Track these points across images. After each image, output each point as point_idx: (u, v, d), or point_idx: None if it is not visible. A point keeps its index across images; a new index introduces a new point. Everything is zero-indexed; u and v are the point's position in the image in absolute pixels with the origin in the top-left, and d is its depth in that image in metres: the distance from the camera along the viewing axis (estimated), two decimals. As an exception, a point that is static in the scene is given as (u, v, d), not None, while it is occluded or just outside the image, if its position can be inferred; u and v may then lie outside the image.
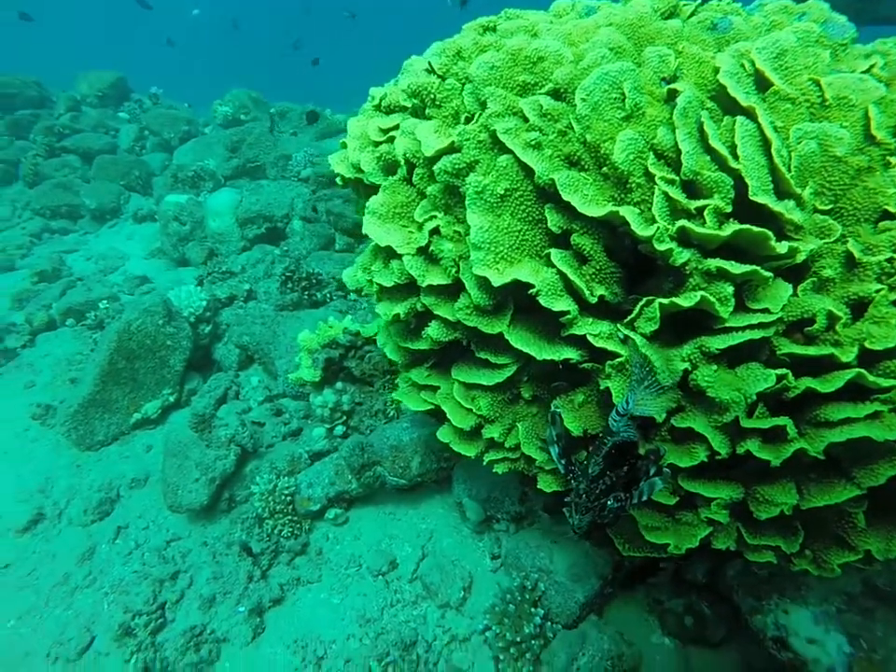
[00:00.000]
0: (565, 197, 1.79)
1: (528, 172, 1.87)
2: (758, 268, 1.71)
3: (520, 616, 2.56)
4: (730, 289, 1.74)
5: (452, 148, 1.95)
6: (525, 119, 1.91)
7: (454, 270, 1.94)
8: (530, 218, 1.91)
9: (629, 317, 1.86)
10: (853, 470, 1.83)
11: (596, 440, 1.89)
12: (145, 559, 3.37)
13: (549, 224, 1.86)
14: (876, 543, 1.91)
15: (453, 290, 2.01)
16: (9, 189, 7.83)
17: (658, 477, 1.75)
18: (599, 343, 1.82)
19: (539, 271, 1.84)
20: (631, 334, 1.82)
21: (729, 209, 1.79)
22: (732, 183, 1.78)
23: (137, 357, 4.14)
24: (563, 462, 1.95)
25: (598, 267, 1.88)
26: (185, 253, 5.92)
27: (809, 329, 1.79)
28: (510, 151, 1.87)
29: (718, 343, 1.77)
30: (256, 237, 5.62)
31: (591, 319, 1.87)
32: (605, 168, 1.87)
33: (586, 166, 1.90)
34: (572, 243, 1.86)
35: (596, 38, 1.97)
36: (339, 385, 3.62)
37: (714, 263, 1.74)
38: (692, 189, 1.84)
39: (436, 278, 1.97)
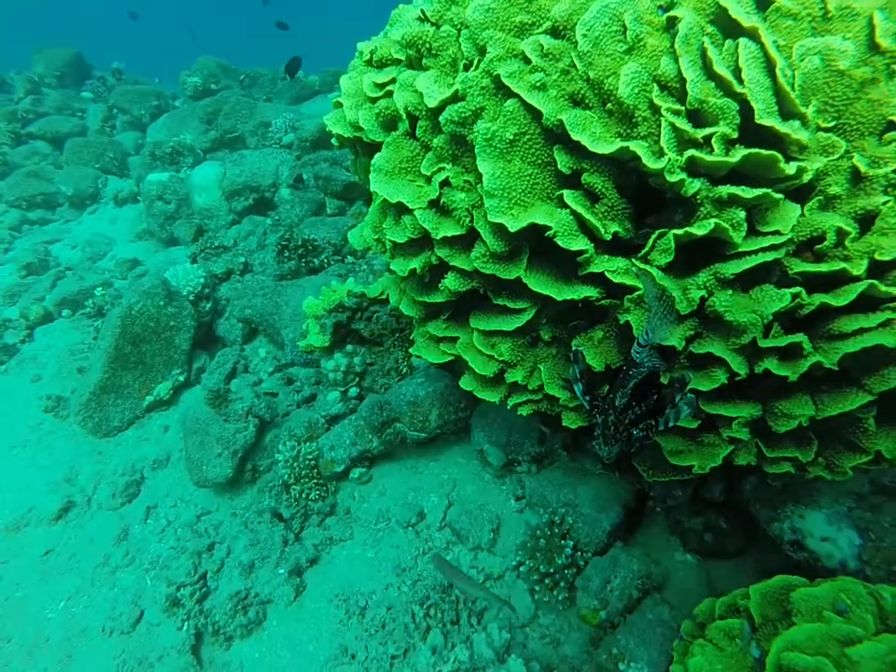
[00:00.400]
0: (574, 136, 1.80)
1: (535, 114, 1.87)
2: (769, 191, 1.75)
3: (551, 549, 2.69)
4: (742, 214, 1.78)
5: (455, 97, 1.94)
6: (528, 61, 1.90)
7: (467, 220, 1.96)
8: (539, 162, 1.92)
9: (642, 251, 1.90)
10: (864, 379, 1.92)
11: (620, 373, 1.96)
12: (178, 535, 3.47)
13: (559, 165, 1.88)
14: (886, 444, 2.02)
15: (467, 241, 2.04)
16: (-22, 183, 7.60)
17: (683, 402, 1.82)
18: (617, 279, 1.87)
19: (552, 213, 1.87)
20: (647, 267, 1.87)
21: (735, 135, 1.81)
22: (738, 108, 1.79)
23: (143, 341, 4.14)
24: (587, 398, 2.03)
25: (610, 204, 1.91)
26: (173, 232, 5.83)
27: (819, 246, 1.84)
28: (515, 95, 1.86)
29: (732, 268, 1.83)
30: (244, 209, 5.53)
31: (607, 257, 1.91)
32: (609, 104, 1.87)
33: (590, 104, 1.90)
34: (583, 182, 1.88)
35: (592, -30, 1.94)
36: (349, 347, 3.67)
37: (725, 190, 1.78)
38: (697, 118, 1.85)
39: (450, 230, 1.99)
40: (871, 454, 2.04)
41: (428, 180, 2.06)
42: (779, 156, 1.73)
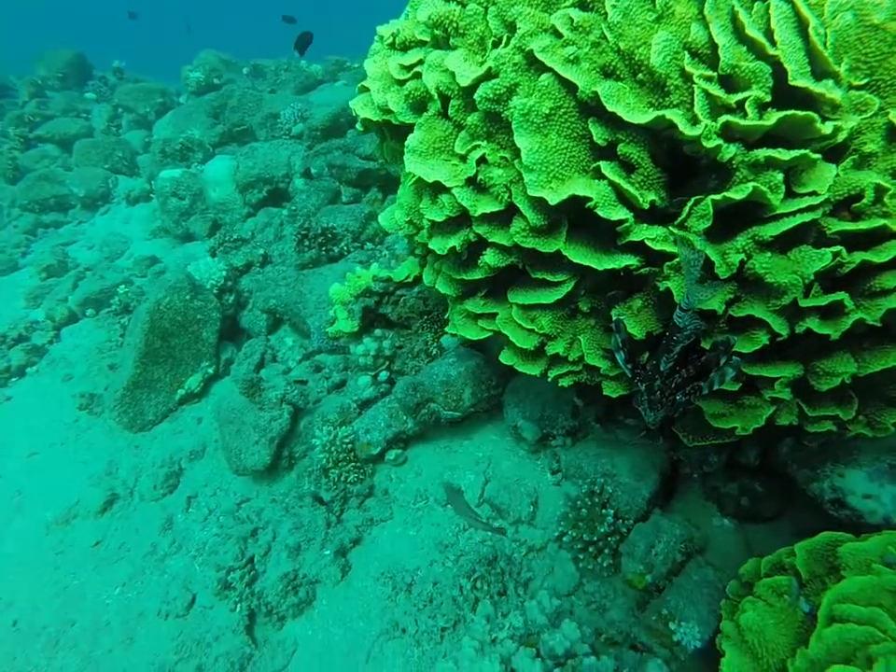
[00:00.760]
0: (609, 108, 1.81)
1: (570, 88, 1.88)
2: (807, 151, 1.76)
3: (592, 518, 2.74)
4: (780, 177, 1.80)
5: (489, 75, 1.95)
6: (558, 35, 1.91)
7: (506, 195, 1.99)
8: (575, 135, 1.94)
9: (679, 219, 1.93)
10: (905, 334, 1.95)
11: (661, 339, 2.00)
12: (221, 522, 3.57)
13: (594, 138, 1.90)
14: (928, 399, 2.05)
15: (505, 216, 2.07)
16: (-10, 188, 7.66)
17: (728, 366, 1.86)
18: (657, 246, 1.89)
19: (591, 185, 1.89)
20: (685, 234, 1.89)
21: (768, 98, 1.82)
22: (770, 71, 1.80)
23: (171, 335, 4.21)
24: (629, 367, 2.07)
25: (646, 174, 1.93)
26: (188, 228, 5.87)
27: (857, 204, 1.86)
28: (549, 70, 1.87)
29: (771, 230, 1.85)
30: (259, 201, 5.56)
31: (645, 225, 1.94)
32: (640, 75, 1.89)
33: (622, 75, 1.91)
34: (619, 153, 1.90)
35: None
36: (377, 332, 3.71)
37: (762, 153, 1.79)
38: (729, 83, 1.86)
39: (488, 206, 2.02)
40: (913, 408, 2.08)
41: (463, 158, 2.09)
42: (816, 116, 1.74)
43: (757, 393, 2.14)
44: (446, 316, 2.73)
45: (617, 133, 1.89)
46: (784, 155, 1.77)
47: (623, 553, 2.62)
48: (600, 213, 1.84)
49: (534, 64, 1.93)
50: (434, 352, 3.63)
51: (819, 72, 1.85)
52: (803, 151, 1.76)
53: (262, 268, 5.07)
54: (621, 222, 1.88)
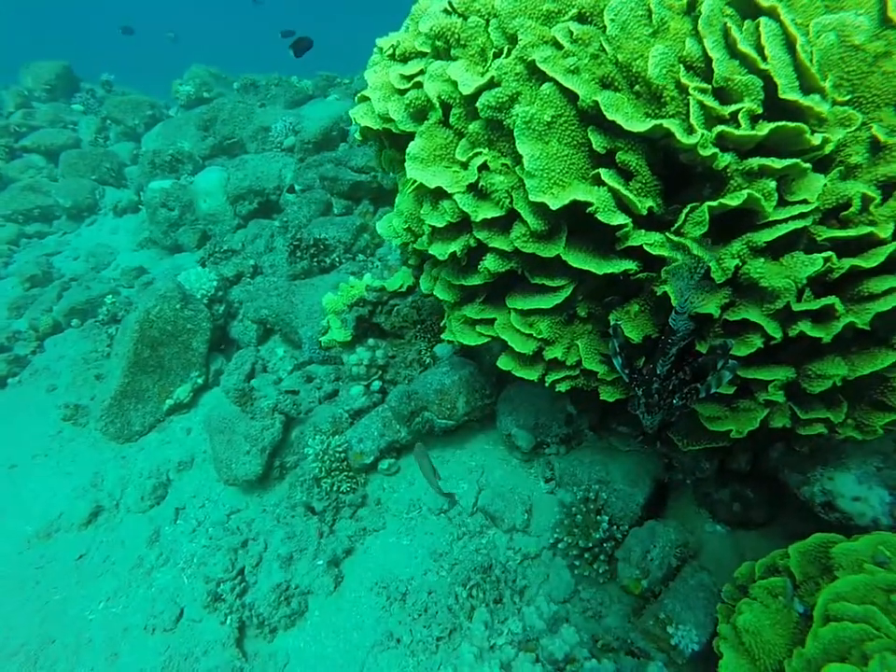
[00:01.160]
0: (609, 116, 1.87)
1: (570, 97, 1.94)
2: (798, 160, 1.83)
3: (587, 525, 2.75)
4: (773, 185, 1.87)
5: (491, 84, 2.00)
6: (559, 47, 1.97)
7: (507, 201, 2.03)
8: (574, 143, 2.00)
9: (676, 225, 1.98)
10: (893, 338, 2.02)
11: (657, 344, 2.04)
12: (210, 533, 3.50)
13: (594, 145, 1.95)
14: (914, 401, 2.11)
15: (505, 222, 2.10)
16: (-27, 198, 7.55)
17: (725, 369, 1.90)
18: (655, 251, 1.94)
19: (591, 191, 1.94)
20: (682, 240, 1.95)
21: (760, 110, 1.90)
22: (762, 84, 1.88)
23: (161, 344, 4.17)
24: (626, 371, 2.10)
25: (644, 181, 1.98)
26: (177, 239, 5.84)
27: (845, 213, 1.93)
28: (550, 79, 1.93)
29: (765, 236, 1.91)
30: (249, 213, 5.56)
31: (643, 231, 1.99)
32: (637, 86, 1.95)
33: (619, 87, 1.98)
34: (618, 160, 1.96)
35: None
36: (370, 341, 3.72)
37: (756, 162, 1.86)
38: (722, 95, 1.93)
39: (489, 211, 2.05)
40: (899, 411, 2.14)
41: (464, 165, 2.13)
42: (806, 128, 1.82)
43: (751, 396, 2.18)
44: (442, 323, 2.74)
45: (616, 142, 1.95)
46: (777, 163, 1.84)
47: (620, 559, 2.63)
48: (601, 217, 1.89)
49: (535, 74, 1.98)
50: (427, 361, 3.65)
51: (807, 87, 1.93)
52: (794, 160, 1.83)
53: (253, 279, 5.06)
54: (620, 227, 1.93)
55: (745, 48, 1.86)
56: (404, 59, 2.52)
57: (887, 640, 1.74)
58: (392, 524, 3.34)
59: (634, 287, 2.18)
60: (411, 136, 2.30)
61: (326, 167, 5.18)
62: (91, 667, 2.91)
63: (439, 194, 2.14)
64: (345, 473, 3.44)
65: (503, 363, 2.43)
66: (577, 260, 2.03)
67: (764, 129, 1.84)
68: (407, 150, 2.21)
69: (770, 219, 1.91)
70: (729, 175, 1.92)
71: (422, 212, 2.21)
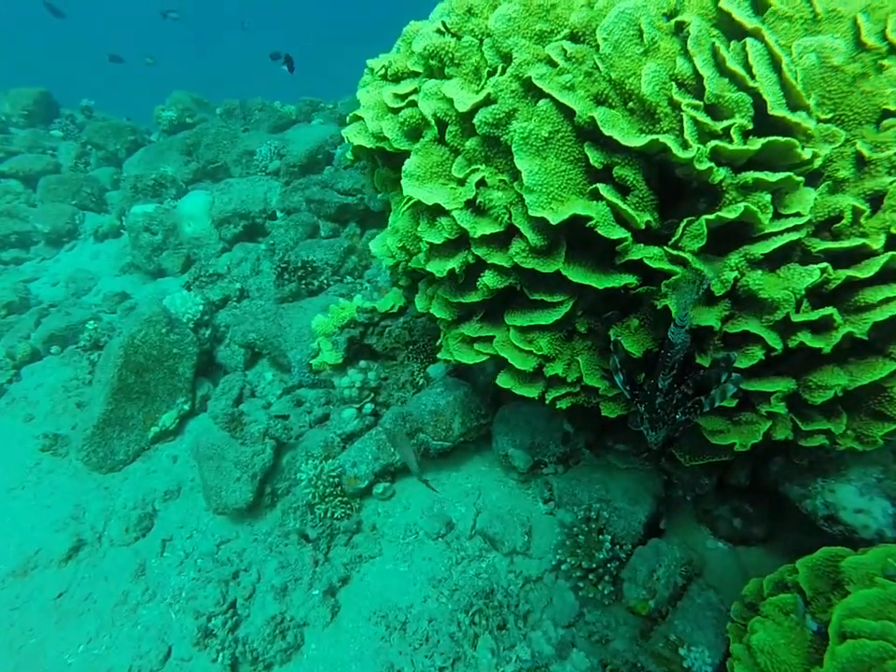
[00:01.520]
0: (606, 132, 1.88)
1: (566, 113, 1.95)
2: (791, 174, 1.86)
3: (589, 545, 2.70)
4: (768, 198, 1.89)
5: (487, 101, 2.01)
6: (553, 65, 1.99)
7: (505, 217, 2.02)
8: (572, 158, 2.00)
9: (673, 239, 1.99)
10: (889, 347, 2.03)
11: (658, 358, 2.03)
12: (199, 565, 3.37)
13: (591, 161, 1.96)
14: (913, 411, 2.13)
15: (503, 238, 2.09)
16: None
17: (729, 382, 1.89)
18: (655, 265, 1.94)
19: (589, 205, 1.94)
20: (680, 253, 1.95)
21: (750, 126, 1.93)
22: (752, 101, 1.91)
23: (146, 370, 4.06)
24: (628, 387, 2.08)
25: (641, 196, 1.99)
26: (160, 263, 5.75)
27: (837, 225, 1.97)
28: (546, 96, 1.94)
29: (762, 248, 1.93)
30: (234, 236, 5.51)
31: (642, 245, 1.99)
32: (630, 103, 1.97)
33: (613, 103, 2.00)
34: (615, 175, 1.97)
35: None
36: (362, 363, 3.67)
37: (751, 175, 1.89)
38: (713, 111, 1.96)
39: (488, 228, 2.04)
40: (898, 420, 2.14)
41: (461, 182, 2.12)
42: (797, 142, 1.85)
43: (752, 409, 2.18)
44: (438, 343, 2.71)
45: (612, 157, 1.96)
46: (771, 177, 1.86)
47: (625, 579, 2.58)
48: (601, 231, 1.89)
49: (531, 91, 2.00)
50: (420, 382, 3.60)
51: (793, 104, 1.97)
52: (788, 174, 1.86)
53: (239, 302, 4.98)
54: (620, 241, 1.93)
55: (734, 66, 1.90)
56: (397, 78, 2.53)
57: (906, 657, 1.71)
58: (389, 550, 3.25)
59: (632, 301, 2.18)
60: (405, 154, 2.29)
61: (312, 190, 5.17)
62: (72, 714, 2.75)
63: (436, 211, 2.13)
64: (339, 499, 3.35)
65: (502, 381, 2.40)
66: (577, 275, 2.02)
67: (757, 143, 1.87)
68: (403, 168, 2.19)
69: (766, 232, 1.93)
70: (724, 188, 1.94)
71: (419, 229, 2.19)
